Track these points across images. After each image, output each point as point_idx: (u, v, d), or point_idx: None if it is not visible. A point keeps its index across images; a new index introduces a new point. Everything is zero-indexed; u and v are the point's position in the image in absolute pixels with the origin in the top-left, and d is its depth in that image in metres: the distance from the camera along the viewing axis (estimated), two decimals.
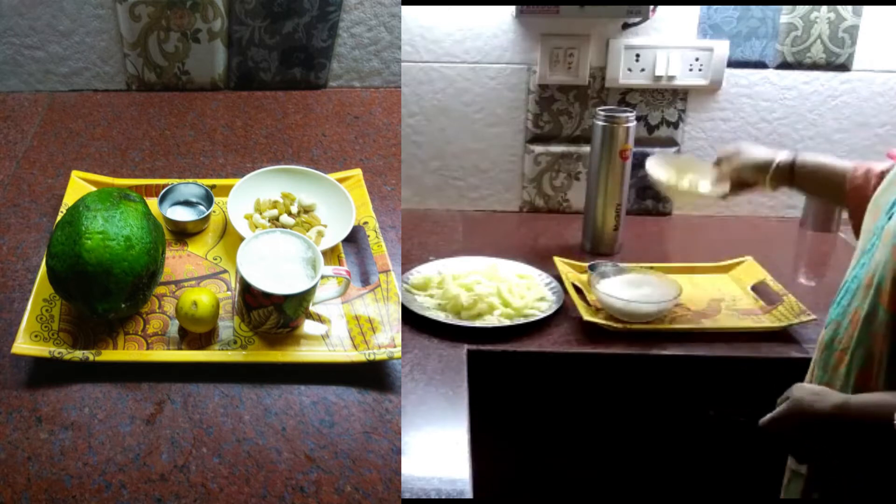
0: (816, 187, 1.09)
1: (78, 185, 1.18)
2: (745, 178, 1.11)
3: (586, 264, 1.32)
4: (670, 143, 1.61)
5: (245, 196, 1.17)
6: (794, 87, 1.57)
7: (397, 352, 0.99)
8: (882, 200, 0.87)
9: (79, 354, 0.94)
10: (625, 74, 1.55)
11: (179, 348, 0.99)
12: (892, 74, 1.56)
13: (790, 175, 1.06)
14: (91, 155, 1.32)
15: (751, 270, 1.31)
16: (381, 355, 0.98)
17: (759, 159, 1.09)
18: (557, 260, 1.33)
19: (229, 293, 1.07)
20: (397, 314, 1.05)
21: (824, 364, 0.88)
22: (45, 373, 0.94)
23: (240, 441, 0.90)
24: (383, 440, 0.91)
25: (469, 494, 0.82)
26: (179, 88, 1.49)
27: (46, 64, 1.45)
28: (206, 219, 1.16)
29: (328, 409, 0.94)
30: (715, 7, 1.51)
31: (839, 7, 1.50)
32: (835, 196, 1.05)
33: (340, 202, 1.17)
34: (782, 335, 1.15)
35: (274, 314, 0.97)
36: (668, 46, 1.52)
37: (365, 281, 1.12)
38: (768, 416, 0.87)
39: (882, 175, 0.96)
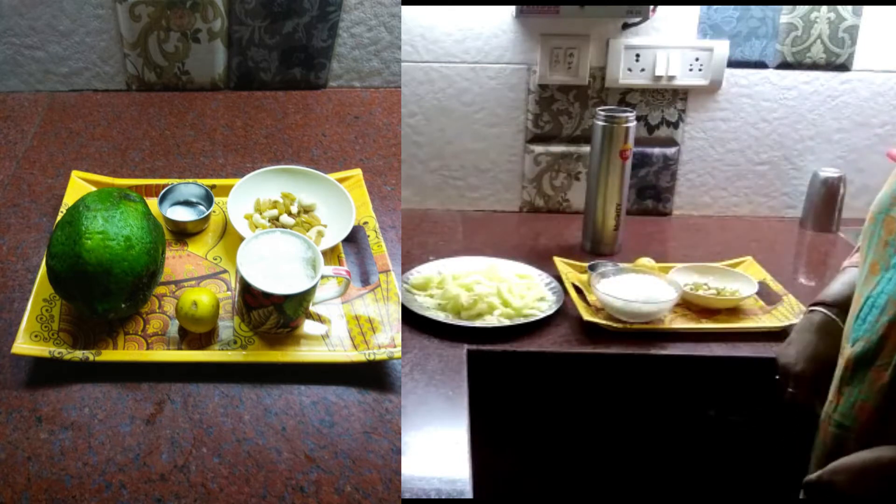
0: None
1: (78, 185, 1.18)
2: None
3: (586, 264, 1.32)
4: (670, 142, 1.61)
5: (245, 196, 1.17)
6: (794, 87, 1.57)
7: (397, 352, 0.99)
8: None
9: (79, 354, 0.94)
10: (625, 74, 1.55)
11: (179, 348, 0.99)
12: (892, 74, 1.56)
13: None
14: (91, 155, 1.32)
15: (751, 270, 1.31)
16: (381, 355, 0.98)
17: None
18: (557, 260, 1.33)
19: (229, 293, 1.07)
20: (397, 314, 1.05)
21: (857, 381, 0.84)
22: (45, 373, 0.94)
23: (240, 441, 0.90)
24: (383, 440, 0.91)
25: (469, 494, 0.82)
26: (179, 88, 1.49)
27: (46, 64, 1.45)
28: (206, 219, 1.16)
29: (328, 409, 0.94)
30: (715, 7, 1.51)
31: (839, 7, 1.50)
32: None
33: (340, 202, 1.17)
34: (782, 335, 1.14)
35: (274, 314, 0.97)
36: (668, 46, 1.52)
37: (365, 281, 1.12)
38: (832, 475, 0.78)
39: None
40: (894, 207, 0.84)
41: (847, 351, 0.86)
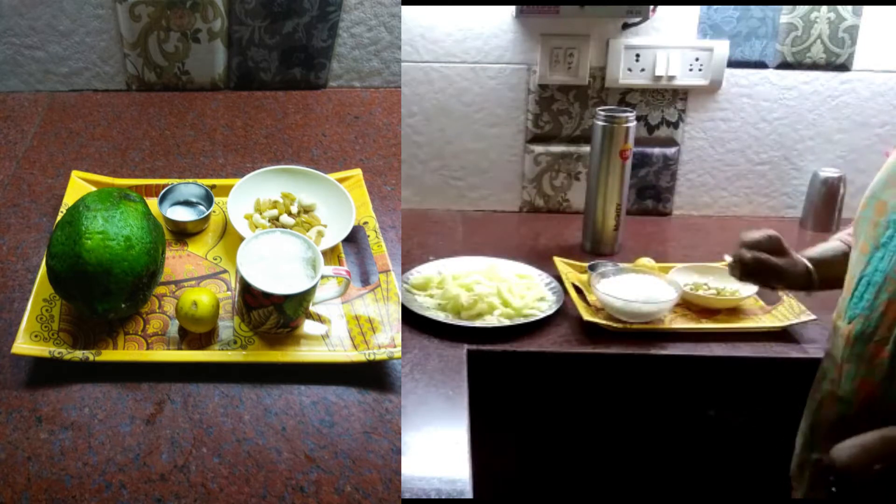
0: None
1: (78, 185, 1.18)
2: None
3: (586, 264, 1.32)
4: (670, 142, 1.61)
5: (245, 196, 1.17)
6: (794, 87, 1.57)
7: (397, 352, 0.99)
8: (887, 195, 0.87)
9: (79, 354, 0.94)
10: (625, 74, 1.55)
11: (179, 348, 0.99)
12: (892, 74, 1.56)
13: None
14: (91, 155, 1.32)
15: None
16: (381, 355, 0.98)
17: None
18: (557, 260, 1.33)
19: (229, 293, 1.07)
20: (397, 314, 1.05)
21: (856, 358, 0.86)
22: (45, 373, 0.94)
23: (240, 441, 0.90)
24: (383, 440, 0.91)
25: (469, 494, 0.82)
26: (179, 88, 1.49)
27: (46, 64, 1.45)
28: (206, 219, 1.16)
29: (328, 409, 0.94)
30: (715, 7, 1.51)
31: (839, 7, 1.50)
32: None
33: (340, 202, 1.17)
34: (782, 335, 1.15)
35: (274, 314, 0.97)
36: (668, 46, 1.52)
37: (365, 281, 1.12)
38: (835, 453, 0.80)
39: None
40: (885, 192, 0.87)
41: (844, 328, 0.88)
